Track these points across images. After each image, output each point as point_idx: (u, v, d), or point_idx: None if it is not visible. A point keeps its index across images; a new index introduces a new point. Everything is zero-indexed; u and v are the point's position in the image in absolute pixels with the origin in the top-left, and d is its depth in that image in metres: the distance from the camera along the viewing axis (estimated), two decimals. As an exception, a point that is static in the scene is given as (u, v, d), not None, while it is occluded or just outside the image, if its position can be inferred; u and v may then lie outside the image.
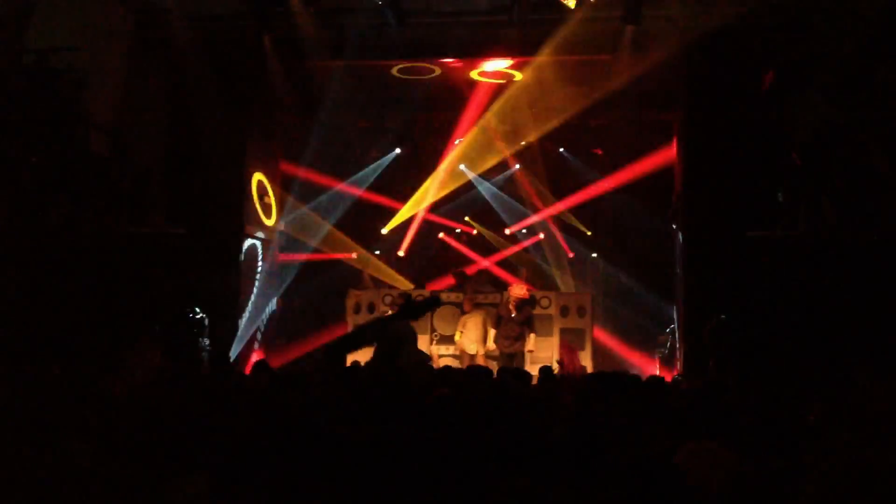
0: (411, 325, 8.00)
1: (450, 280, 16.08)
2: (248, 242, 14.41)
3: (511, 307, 12.91)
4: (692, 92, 12.72)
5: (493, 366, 11.57)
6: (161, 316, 12.94)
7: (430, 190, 16.94)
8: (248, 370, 11.46)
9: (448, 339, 14.02)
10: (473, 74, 14.74)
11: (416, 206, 17.04)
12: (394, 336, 6.21)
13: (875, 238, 11.13)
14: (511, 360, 12.49)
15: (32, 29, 11.20)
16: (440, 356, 13.60)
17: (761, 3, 11.34)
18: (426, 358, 6.21)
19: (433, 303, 8.69)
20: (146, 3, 12.79)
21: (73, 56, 11.23)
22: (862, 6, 9.68)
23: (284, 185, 15.60)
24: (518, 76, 14.48)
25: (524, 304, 13.01)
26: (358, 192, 16.50)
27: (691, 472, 3.18)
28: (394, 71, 14.47)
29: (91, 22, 11.57)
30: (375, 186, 16.84)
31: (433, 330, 14.20)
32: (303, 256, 15.96)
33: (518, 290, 13.13)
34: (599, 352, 14.49)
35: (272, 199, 15.31)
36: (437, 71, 14.55)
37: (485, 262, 17.04)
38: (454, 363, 12.85)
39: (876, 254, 11.52)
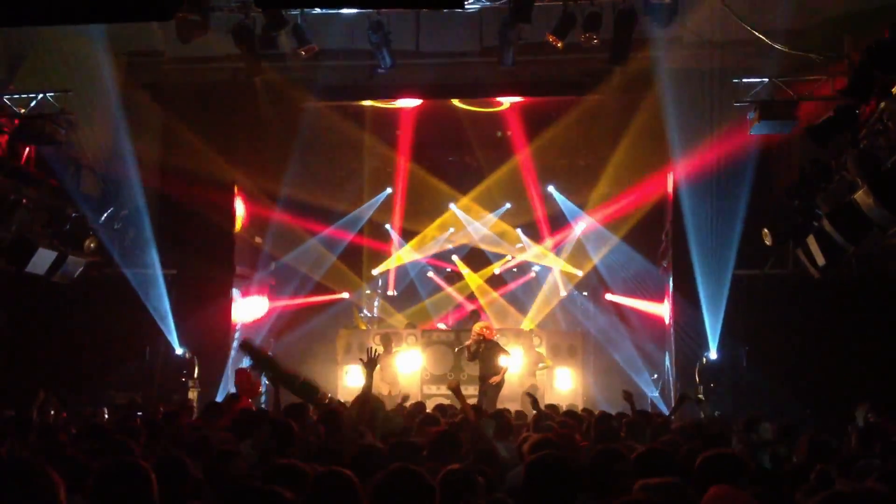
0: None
1: (443, 318, 16.04)
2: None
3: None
4: (681, 131, 12.81)
5: None
6: (149, 355, 12.91)
7: (421, 230, 16.98)
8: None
9: (440, 379, 13.89)
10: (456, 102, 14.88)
11: (407, 247, 17.05)
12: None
13: (862, 277, 11.21)
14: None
15: (25, 72, 11.29)
16: (430, 396, 13.41)
17: (748, 48, 11.50)
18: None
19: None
20: (138, 46, 12.89)
21: (66, 98, 11.27)
22: (846, 49, 9.87)
23: (275, 225, 15.59)
24: (505, 104, 14.68)
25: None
26: (349, 234, 16.47)
27: None
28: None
29: (83, 65, 11.64)
30: (367, 226, 16.83)
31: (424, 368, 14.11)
32: (294, 298, 15.89)
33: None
34: (590, 391, 14.40)
35: (262, 240, 15.31)
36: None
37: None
38: (446, 402, 12.64)
39: (863, 292, 11.59)
